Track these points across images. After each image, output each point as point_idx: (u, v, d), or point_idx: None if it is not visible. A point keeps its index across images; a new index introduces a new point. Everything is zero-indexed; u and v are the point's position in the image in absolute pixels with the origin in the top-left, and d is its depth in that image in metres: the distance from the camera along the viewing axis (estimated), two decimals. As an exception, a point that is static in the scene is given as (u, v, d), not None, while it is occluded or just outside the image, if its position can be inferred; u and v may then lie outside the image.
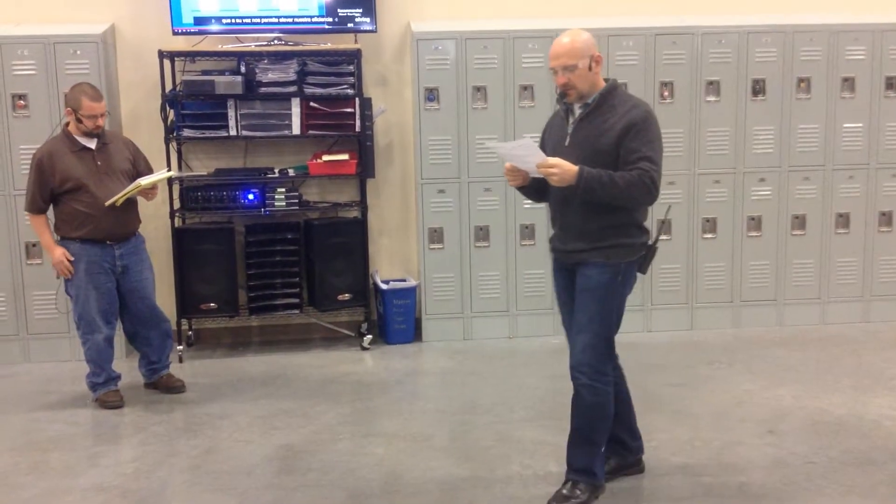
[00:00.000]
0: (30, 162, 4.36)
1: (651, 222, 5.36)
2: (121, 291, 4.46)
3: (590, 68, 3.13)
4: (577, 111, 3.20)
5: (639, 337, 5.51)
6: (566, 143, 3.19)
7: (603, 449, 3.24)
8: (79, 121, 4.29)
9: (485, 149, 5.27)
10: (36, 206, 4.35)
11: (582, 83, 3.13)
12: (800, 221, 5.65)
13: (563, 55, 3.12)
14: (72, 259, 4.31)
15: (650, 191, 3.03)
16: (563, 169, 3.02)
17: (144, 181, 4.32)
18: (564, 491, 3.23)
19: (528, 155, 3.10)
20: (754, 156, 5.57)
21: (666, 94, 5.46)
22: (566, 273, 3.30)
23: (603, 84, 3.17)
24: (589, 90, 3.16)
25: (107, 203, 4.27)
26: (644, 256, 3.20)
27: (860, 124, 5.59)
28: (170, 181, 5.10)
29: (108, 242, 4.35)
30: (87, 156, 4.33)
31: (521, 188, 3.30)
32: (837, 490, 3.32)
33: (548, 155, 3.08)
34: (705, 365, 4.92)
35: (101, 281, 4.36)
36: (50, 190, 4.30)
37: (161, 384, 4.67)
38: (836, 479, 3.41)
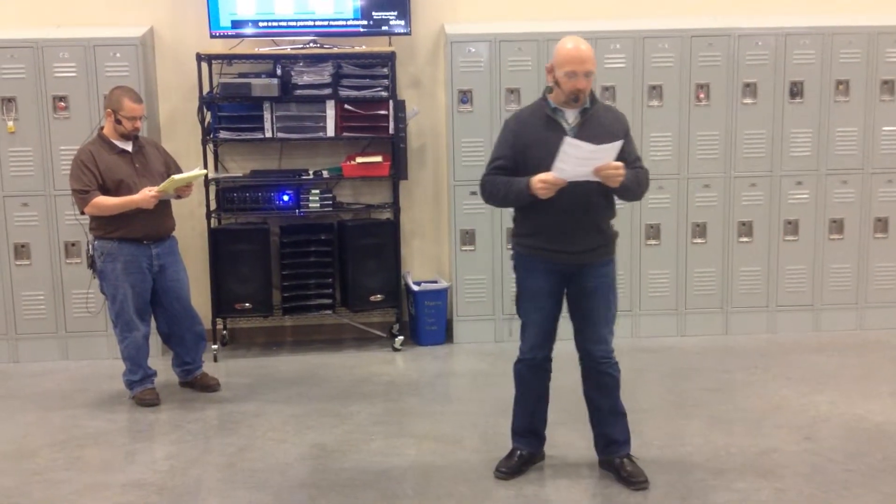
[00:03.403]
0: (70, 164, 4.38)
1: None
2: (157, 291, 4.52)
3: None
4: (571, 116, 3.27)
5: (673, 341, 5.46)
6: None
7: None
8: (118, 122, 4.34)
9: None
10: (91, 195, 4.26)
11: (589, 89, 3.27)
12: (837, 225, 5.57)
13: (589, 60, 3.20)
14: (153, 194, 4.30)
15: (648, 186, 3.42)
16: (624, 170, 3.19)
17: (179, 177, 4.35)
18: (630, 468, 3.37)
19: (603, 158, 3.12)
20: (791, 159, 5.50)
21: (702, 96, 5.41)
22: (558, 277, 3.32)
23: None
24: None
25: (155, 193, 4.27)
26: None
27: (900, 127, 5.50)
28: (206, 182, 5.17)
29: (144, 242, 4.41)
30: (126, 157, 4.39)
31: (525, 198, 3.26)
32: (875, 498, 3.27)
33: (546, 159, 3.11)
34: (741, 370, 4.87)
35: (137, 280, 4.40)
36: (97, 184, 4.29)
37: (196, 383, 4.72)
38: (875, 486, 3.36)
